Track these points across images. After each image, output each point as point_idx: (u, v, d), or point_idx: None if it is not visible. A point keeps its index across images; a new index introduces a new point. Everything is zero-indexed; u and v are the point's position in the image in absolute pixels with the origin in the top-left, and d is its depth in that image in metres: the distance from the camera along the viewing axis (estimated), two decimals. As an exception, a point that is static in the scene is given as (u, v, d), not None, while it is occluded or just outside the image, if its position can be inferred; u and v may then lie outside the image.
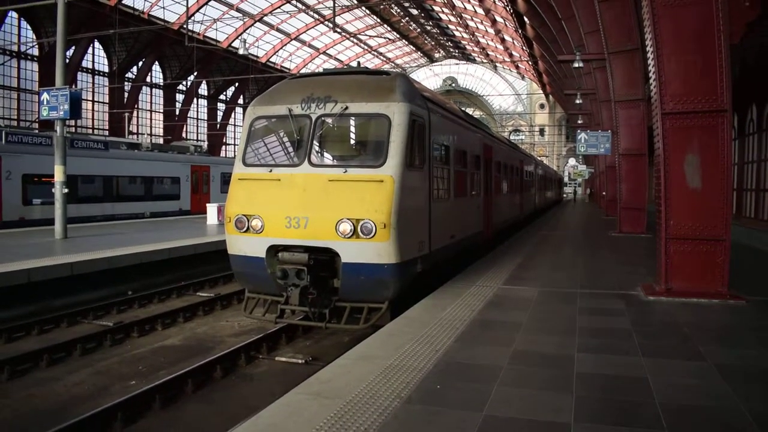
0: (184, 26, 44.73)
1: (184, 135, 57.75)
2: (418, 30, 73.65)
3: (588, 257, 14.48)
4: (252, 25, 56.14)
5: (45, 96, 16.91)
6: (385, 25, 68.80)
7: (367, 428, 4.34)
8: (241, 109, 65.33)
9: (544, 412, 4.67)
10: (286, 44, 64.60)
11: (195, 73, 54.96)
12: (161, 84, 55.61)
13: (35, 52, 42.71)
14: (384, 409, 4.68)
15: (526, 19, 37.76)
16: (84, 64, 47.09)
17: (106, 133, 47.61)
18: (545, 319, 7.92)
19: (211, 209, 24.53)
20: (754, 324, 7.63)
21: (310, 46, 68.69)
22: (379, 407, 4.73)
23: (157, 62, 54.14)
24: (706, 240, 8.89)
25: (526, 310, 8.33)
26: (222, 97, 65.35)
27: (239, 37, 52.65)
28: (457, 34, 76.53)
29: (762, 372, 5.71)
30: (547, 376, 5.56)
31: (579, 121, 42.10)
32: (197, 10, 47.53)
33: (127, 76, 51.26)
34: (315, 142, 8.83)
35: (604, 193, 35.96)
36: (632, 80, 19.08)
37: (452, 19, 67.57)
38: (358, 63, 48.11)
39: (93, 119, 49.67)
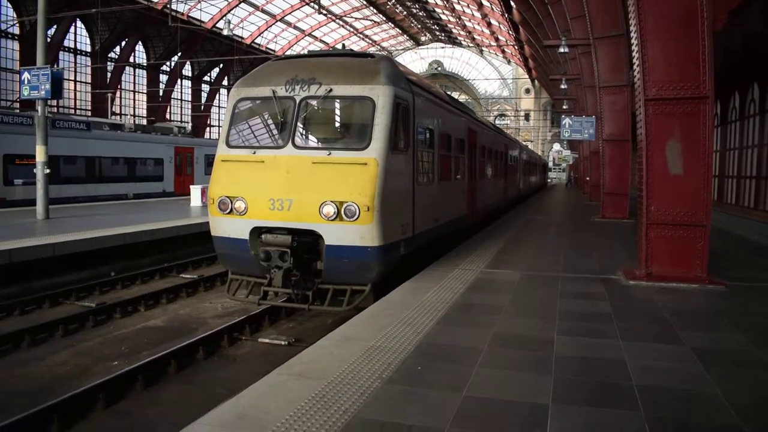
0: (168, 6, 44.23)
1: (167, 116, 57.24)
2: (405, 13, 73.29)
3: (570, 242, 14.59)
4: (237, 5, 55.59)
5: (26, 75, 16.68)
6: (372, 8, 68.43)
7: (348, 408, 4.38)
8: (226, 90, 64.81)
9: (523, 393, 4.74)
10: (271, 25, 64.03)
11: (179, 54, 54.42)
12: (145, 64, 54.99)
13: (16, 30, 42.01)
14: (365, 390, 4.73)
15: (512, 3, 37.67)
16: (66, 43, 46.39)
17: (89, 113, 47.08)
18: (526, 303, 8.01)
19: (195, 191, 24.40)
20: (733, 309, 7.75)
21: (295, 27, 68.16)
22: (360, 387, 4.77)
23: (140, 42, 53.49)
24: (686, 225, 8.99)
25: (508, 293, 8.41)
26: (206, 78, 64.72)
27: (224, 18, 52.04)
28: (443, 17, 76.29)
29: (738, 356, 5.81)
30: (527, 358, 5.62)
31: (564, 107, 42.17)
32: (181, -10, 46.97)
33: (110, 56, 50.59)
34: (299, 124, 8.82)
35: (588, 178, 36.15)
36: (617, 66, 19.16)
37: (439, 2, 67.33)
38: (344, 45, 47.80)
39: (75, 99, 49.06)
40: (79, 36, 48.34)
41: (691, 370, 5.32)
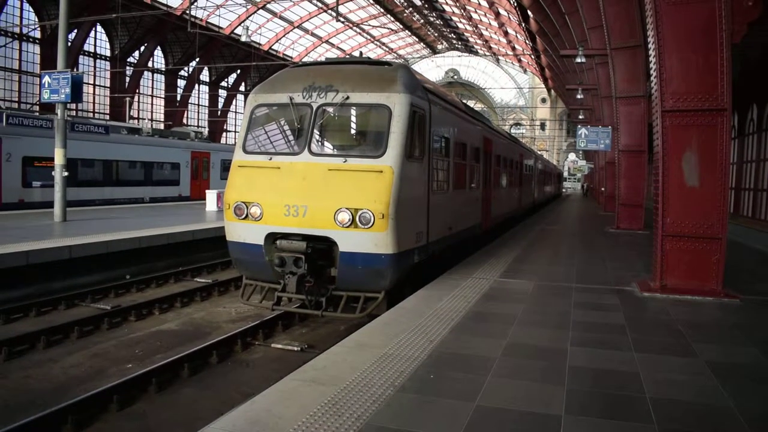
0: (187, 12, 44.60)
1: (185, 121, 57.62)
2: (422, 21, 73.42)
3: (584, 252, 14.53)
4: (255, 12, 55.92)
5: (46, 79, 16.89)
6: (389, 16, 68.56)
7: (361, 415, 4.40)
8: (243, 96, 65.23)
9: (535, 404, 4.73)
10: (288, 32, 64.39)
11: (197, 59, 54.80)
12: (163, 69, 55.48)
13: (37, 34, 42.56)
14: (378, 397, 4.74)
15: (529, 12, 37.62)
16: (86, 47, 46.94)
17: (107, 117, 47.50)
18: (540, 313, 7.98)
19: (211, 196, 24.54)
20: (747, 322, 7.69)
21: (312, 34, 68.47)
22: (373, 395, 4.78)
23: (159, 47, 54.00)
24: (702, 238, 8.93)
25: (522, 303, 8.39)
26: (223, 83, 65.18)
27: (242, 24, 52.43)
28: (460, 26, 76.33)
29: (752, 369, 5.77)
30: (539, 368, 5.61)
31: (580, 117, 42.03)
32: (200, -4, 47.38)
33: (128, 60, 51.13)
34: (315, 131, 8.86)
35: (603, 189, 35.98)
36: (634, 77, 19.08)
37: (456, 10, 67.37)
38: (361, 53, 48.01)
39: (94, 103, 49.59)
40: (99, 40, 48.93)
41: (704, 384, 5.28)
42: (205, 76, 61.78)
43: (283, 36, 64.40)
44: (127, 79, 50.82)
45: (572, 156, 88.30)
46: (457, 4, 63.45)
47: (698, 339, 6.72)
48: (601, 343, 6.47)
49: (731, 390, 5.09)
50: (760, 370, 5.78)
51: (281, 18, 61.10)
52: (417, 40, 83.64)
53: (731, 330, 7.34)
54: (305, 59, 66.07)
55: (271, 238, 8.74)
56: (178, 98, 57.22)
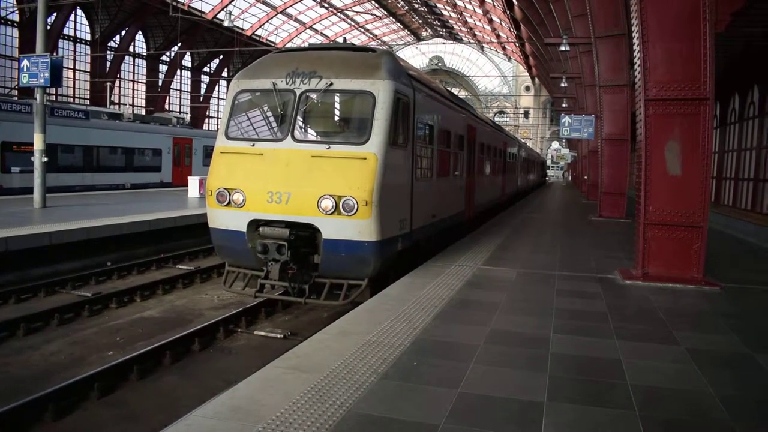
0: (169, -4, 44.09)
1: (166, 106, 57.12)
2: (406, 8, 73.15)
3: (567, 240, 14.60)
4: (238, -4, 55.41)
5: (25, 63, 16.61)
6: (373, 2, 68.24)
7: (344, 402, 4.38)
8: (225, 81, 64.72)
9: (518, 391, 4.74)
10: (272, 17, 63.83)
11: (179, 44, 54.24)
12: (144, 54, 54.85)
13: (15, 17, 41.87)
14: (361, 384, 4.73)
15: (514, 0, 37.61)
16: (66, 31, 46.26)
17: (87, 102, 46.94)
18: (523, 300, 8.02)
19: (193, 182, 24.35)
20: (727, 310, 7.76)
21: (296, 20, 67.97)
22: (356, 382, 4.77)
23: (140, 32, 53.36)
24: (683, 226, 9.00)
25: (504, 290, 8.41)
26: (206, 69, 64.61)
27: (225, 9, 51.91)
28: (444, 13, 76.13)
29: (732, 357, 5.83)
30: (522, 355, 5.64)
31: (563, 105, 42.15)
32: (182, -20, 46.84)
33: (109, 45, 50.47)
34: (299, 118, 8.80)
35: (585, 177, 36.15)
36: (617, 65, 19.13)
37: (440, -3, 67.23)
38: (345, 39, 47.80)
39: (74, 88, 48.96)
40: (79, 24, 48.25)
41: (685, 371, 5.33)
42: (187, 61, 61.20)
43: (267, 21, 63.83)
44: (108, 63, 50.20)
45: (555, 144, 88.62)
46: (442, -9, 63.27)
47: (679, 326, 6.78)
48: (583, 331, 6.51)
49: (712, 377, 5.14)
50: (740, 357, 5.84)
51: (265, 3, 60.57)
52: (401, 26, 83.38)
53: (712, 318, 7.40)
54: (288, 45, 65.63)
55: (254, 224, 8.69)
56: (160, 84, 56.66)
